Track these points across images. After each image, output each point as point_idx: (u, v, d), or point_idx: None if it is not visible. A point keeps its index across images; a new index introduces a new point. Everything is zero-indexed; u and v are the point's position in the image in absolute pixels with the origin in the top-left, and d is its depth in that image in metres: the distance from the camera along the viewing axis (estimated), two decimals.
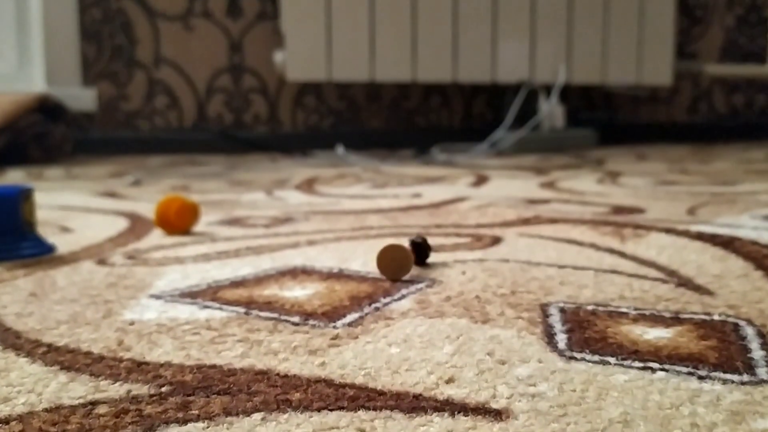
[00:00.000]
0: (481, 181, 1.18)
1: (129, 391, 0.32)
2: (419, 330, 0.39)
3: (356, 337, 0.38)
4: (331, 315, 0.43)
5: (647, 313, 0.42)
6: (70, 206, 0.94)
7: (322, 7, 1.76)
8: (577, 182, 1.15)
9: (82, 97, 1.85)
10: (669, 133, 2.25)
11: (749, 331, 0.38)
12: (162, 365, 0.35)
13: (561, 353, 0.35)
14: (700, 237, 0.64)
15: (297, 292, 0.48)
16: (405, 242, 0.54)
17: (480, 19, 1.84)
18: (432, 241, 0.64)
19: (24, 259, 0.59)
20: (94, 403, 0.30)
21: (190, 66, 1.92)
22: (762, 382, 0.32)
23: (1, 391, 0.32)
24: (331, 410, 0.29)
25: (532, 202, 0.92)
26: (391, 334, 0.39)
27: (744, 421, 0.28)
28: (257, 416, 0.29)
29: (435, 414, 0.29)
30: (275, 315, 0.43)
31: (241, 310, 0.44)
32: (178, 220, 0.71)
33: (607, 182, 1.15)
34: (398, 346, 0.37)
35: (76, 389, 0.32)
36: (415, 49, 1.82)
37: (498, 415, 0.29)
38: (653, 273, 0.52)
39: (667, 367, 0.33)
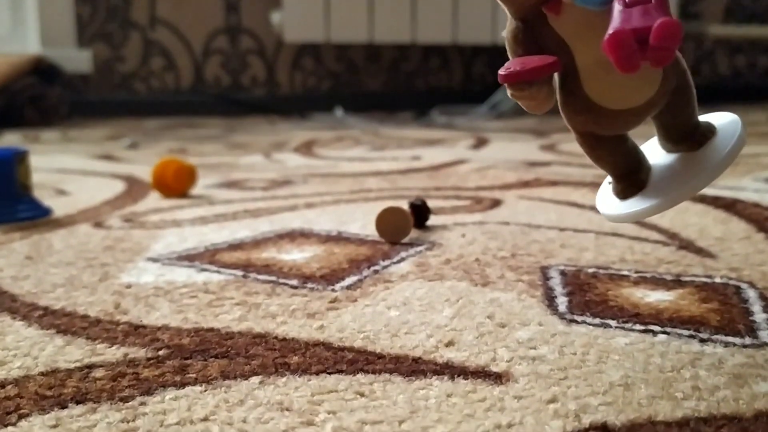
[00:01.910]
0: (480, 143, 1.18)
1: (126, 355, 0.31)
2: (418, 293, 0.39)
3: (355, 300, 0.38)
4: (330, 278, 0.42)
5: (648, 276, 0.42)
6: (66, 169, 0.93)
7: None
8: (577, 144, 1.14)
9: (77, 59, 1.83)
10: None
11: (751, 294, 0.38)
12: (159, 328, 0.34)
13: (561, 316, 0.35)
14: (702, 199, 0.64)
15: (295, 255, 0.48)
16: (404, 205, 0.53)
17: None
18: (431, 203, 0.64)
19: (20, 222, 0.59)
20: (90, 367, 0.30)
21: (186, 27, 1.89)
22: (764, 345, 0.31)
23: None
24: (329, 374, 0.29)
25: (533, 164, 0.91)
26: (390, 297, 0.38)
27: (746, 384, 0.27)
28: (255, 380, 0.29)
29: (434, 377, 0.29)
30: (273, 278, 0.42)
31: (239, 273, 0.43)
32: (176, 183, 0.71)
33: None
34: (397, 309, 0.36)
35: (73, 353, 0.32)
36: (414, 10, 1.79)
37: (498, 378, 0.28)
38: (654, 236, 0.52)
39: (668, 330, 0.33)
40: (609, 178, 0.32)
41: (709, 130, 0.30)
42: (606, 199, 0.32)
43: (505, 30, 0.29)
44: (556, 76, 0.29)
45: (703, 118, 0.31)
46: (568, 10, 0.27)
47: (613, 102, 0.28)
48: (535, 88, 0.27)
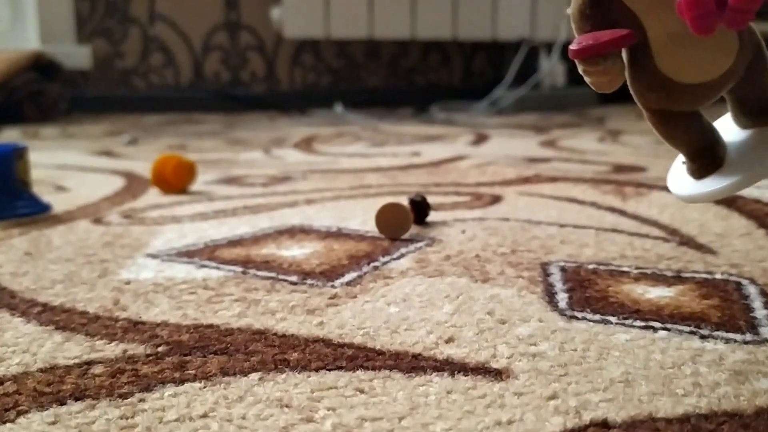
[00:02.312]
0: (480, 139, 1.17)
1: (125, 351, 0.31)
2: (418, 289, 0.39)
3: (355, 297, 0.38)
4: (330, 274, 0.42)
5: (649, 272, 0.42)
6: (65, 165, 0.93)
7: None
8: (577, 141, 1.14)
9: (76, 55, 1.82)
10: None
11: (752, 290, 0.38)
12: (158, 325, 0.34)
13: (562, 312, 0.35)
14: None
15: (295, 251, 0.47)
16: (404, 201, 0.53)
17: None
18: (431, 199, 0.64)
19: (19, 219, 0.59)
20: (89, 363, 0.30)
21: (186, 22, 1.89)
22: (765, 341, 0.31)
23: None
24: (329, 370, 0.29)
25: (533, 160, 0.91)
26: (390, 294, 0.38)
27: (747, 381, 0.27)
28: (255, 376, 0.28)
29: (434, 373, 0.28)
30: (273, 274, 0.42)
31: (239, 269, 0.43)
32: (175, 179, 0.71)
33: (608, 141, 1.14)
34: (397, 306, 0.36)
35: (72, 349, 0.31)
36: (414, 6, 1.79)
37: (498, 374, 0.28)
38: (655, 232, 0.51)
39: (669, 326, 0.33)
40: (681, 158, 0.31)
41: None
42: (680, 179, 0.31)
43: (571, 6, 0.28)
44: (624, 52, 0.28)
45: None
46: None
47: (688, 75, 0.27)
48: (610, 62, 0.26)
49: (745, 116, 0.30)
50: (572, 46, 0.26)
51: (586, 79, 0.27)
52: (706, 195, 0.29)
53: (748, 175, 0.28)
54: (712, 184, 0.29)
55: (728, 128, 0.31)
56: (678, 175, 0.31)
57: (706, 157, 0.29)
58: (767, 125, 0.29)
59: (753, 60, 0.28)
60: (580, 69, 0.26)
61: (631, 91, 0.29)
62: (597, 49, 0.25)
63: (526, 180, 0.75)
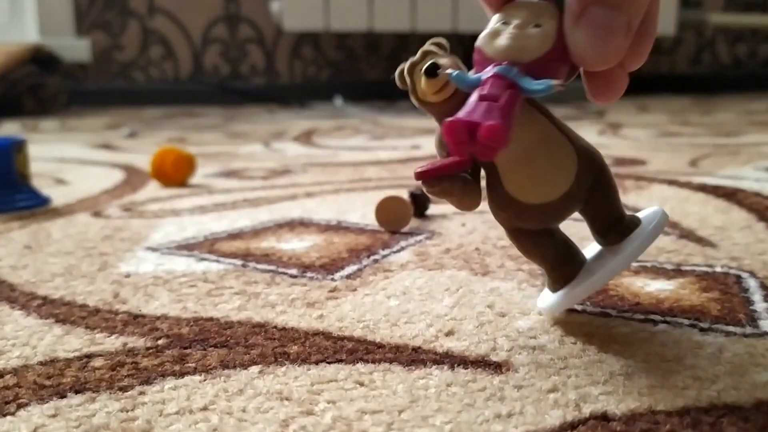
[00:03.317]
0: None
1: (125, 344, 0.31)
2: (418, 282, 0.39)
3: (355, 290, 0.38)
4: (330, 267, 0.42)
5: (649, 265, 0.42)
6: (65, 158, 0.93)
7: None
8: (577, 134, 1.13)
9: (75, 48, 1.82)
10: (671, 85, 2.23)
11: (752, 284, 0.38)
12: (158, 318, 0.34)
13: None
14: (703, 189, 0.64)
15: (295, 244, 0.47)
16: (404, 194, 0.53)
17: None
18: None
19: (18, 212, 0.59)
20: (89, 356, 0.30)
21: (185, 15, 1.89)
22: (765, 334, 0.31)
23: None
24: (329, 363, 0.29)
25: None
26: (389, 287, 0.38)
27: (747, 374, 0.27)
28: (255, 369, 0.28)
29: (434, 367, 0.28)
30: (273, 267, 0.42)
31: (239, 262, 0.43)
32: (175, 172, 0.71)
33: (608, 134, 1.14)
34: (397, 299, 0.36)
35: (72, 342, 0.31)
36: None
37: (498, 367, 0.28)
38: None
39: (668, 319, 0.33)
40: None
41: (633, 223, 0.31)
42: (544, 292, 0.34)
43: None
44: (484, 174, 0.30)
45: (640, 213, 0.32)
46: None
47: (531, 196, 0.29)
48: (447, 184, 0.28)
49: (596, 234, 0.32)
50: (416, 169, 0.28)
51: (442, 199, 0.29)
52: (550, 307, 0.32)
53: (584, 286, 0.30)
54: (558, 296, 0.32)
55: (594, 246, 0.33)
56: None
57: (558, 272, 0.32)
58: (614, 243, 0.31)
59: (594, 184, 0.30)
60: (425, 190, 0.29)
61: (490, 210, 0.31)
62: (434, 173, 0.28)
63: None
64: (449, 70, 0.28)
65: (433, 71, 0.29)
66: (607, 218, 0.31)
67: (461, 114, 0.25)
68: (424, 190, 0.29)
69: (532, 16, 0.27)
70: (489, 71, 0.26)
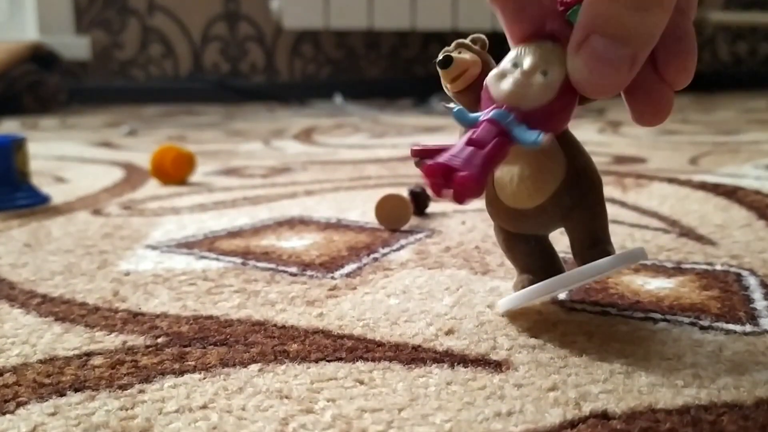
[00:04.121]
0: None
1: (125, 342, 0.31)
2: (418, 281, 0.39)
3: (354, 288, 0.38)
4: (329, 265, 0.42)
5: (649, 263, 0.42)
6: (65, 156, 0.93)
7: None
8: (577, 132, 1.13)
9: (75, 46, 1.82)
10: None
11: (752, 281, 0.38)
12: (158, 316, 0.34)
13: (561, 304, 0.35)
14: (703, 187, 0.64)
15: (294, 242, 0.47)
16: (404, 192, 0.53)
17: None
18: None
19: (18, 210, 0.59)
20: (89, 354, 0.30)
21: (185, 13, 1.88)
22: (765, 332, 0.31)
23: None
24: (329, 361, 0.29)
25: None
26: (389, 285, 0.38)
27: (747, 372, 0.27)
28: (254, 367, 0.28)
29: (434, 365, 0.28)
30: (272, 266, 0.42)
31: (238, 260, 0.43)
32: (174, 170, 0.71)
33: (608, 132, 1.14)
34: (397, 297, 0.36)
35: (71, 340, 0.31)
36: None
37: (498, 366, 0.28)
38: (655, 223, 0.51)
39: (668, 317, 0.33)
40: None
41: (606, 252, 0.31)
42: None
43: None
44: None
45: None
46: None
47: (508, 199, 0.31)
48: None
49: (573, 253, 0.32)
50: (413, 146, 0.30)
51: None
52: (503, 303, 0.33)
53: (534, 289, 0.31)
54: (505, 296, 0.33)
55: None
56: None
57: (524, 275, 0.33)
58: (582, 264, 0.31)
59: (572, 207, 0.31)
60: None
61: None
62: (422, 154, 0.29)
63: None
64: (451, 105, 0.29)
65: (446, 63, 0.29)
66: (583, 241, 0.31)
67: (445, 156, 0.25)
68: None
69: (542, 62, 0.27)
70: (487, 113, 0.27)
